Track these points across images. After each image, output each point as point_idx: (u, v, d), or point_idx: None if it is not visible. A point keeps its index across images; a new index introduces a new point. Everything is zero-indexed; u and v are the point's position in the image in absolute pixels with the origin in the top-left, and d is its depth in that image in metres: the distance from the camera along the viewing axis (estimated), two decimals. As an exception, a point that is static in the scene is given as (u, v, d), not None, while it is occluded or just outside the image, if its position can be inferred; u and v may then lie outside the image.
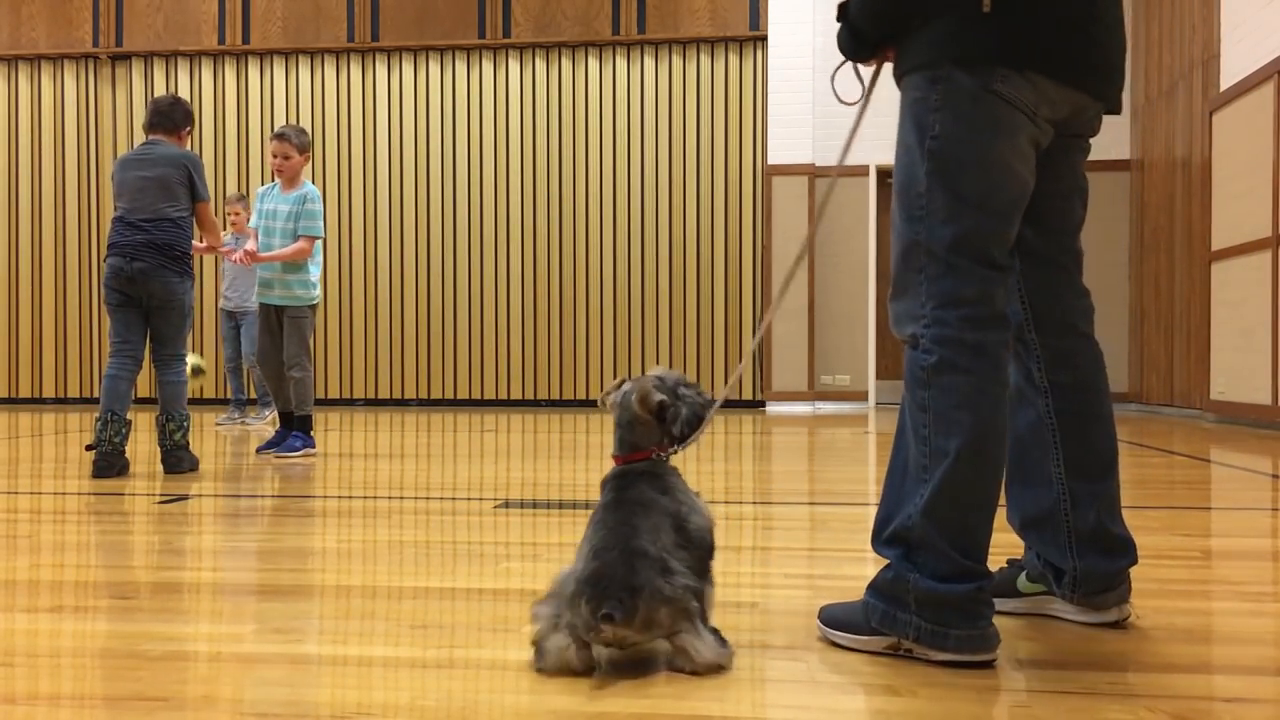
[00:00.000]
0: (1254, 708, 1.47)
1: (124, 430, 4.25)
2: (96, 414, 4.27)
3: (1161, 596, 2.13)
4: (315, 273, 5.30)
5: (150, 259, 4.26)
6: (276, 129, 5.36)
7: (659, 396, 1.69)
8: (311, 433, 5.29)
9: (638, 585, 1.51)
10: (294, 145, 5.19)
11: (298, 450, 5.16)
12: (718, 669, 1.56)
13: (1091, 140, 1.86)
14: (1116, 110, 1.80)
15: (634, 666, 1.61)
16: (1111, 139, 9.73)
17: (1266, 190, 6.75)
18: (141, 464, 4.82)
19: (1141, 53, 9.43)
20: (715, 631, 1.61)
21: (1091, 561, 1.79)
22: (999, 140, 1.64)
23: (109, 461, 4.20)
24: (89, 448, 4.30)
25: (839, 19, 1.80)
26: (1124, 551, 1.81)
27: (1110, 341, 9.75)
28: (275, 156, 5.21)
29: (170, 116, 4.50)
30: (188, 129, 4.60)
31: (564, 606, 1.55)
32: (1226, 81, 7.40)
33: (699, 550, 1.65)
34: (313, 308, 5.29)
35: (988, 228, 1.66)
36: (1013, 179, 1.66)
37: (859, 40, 1.78)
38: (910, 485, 1.67)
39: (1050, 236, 1.82)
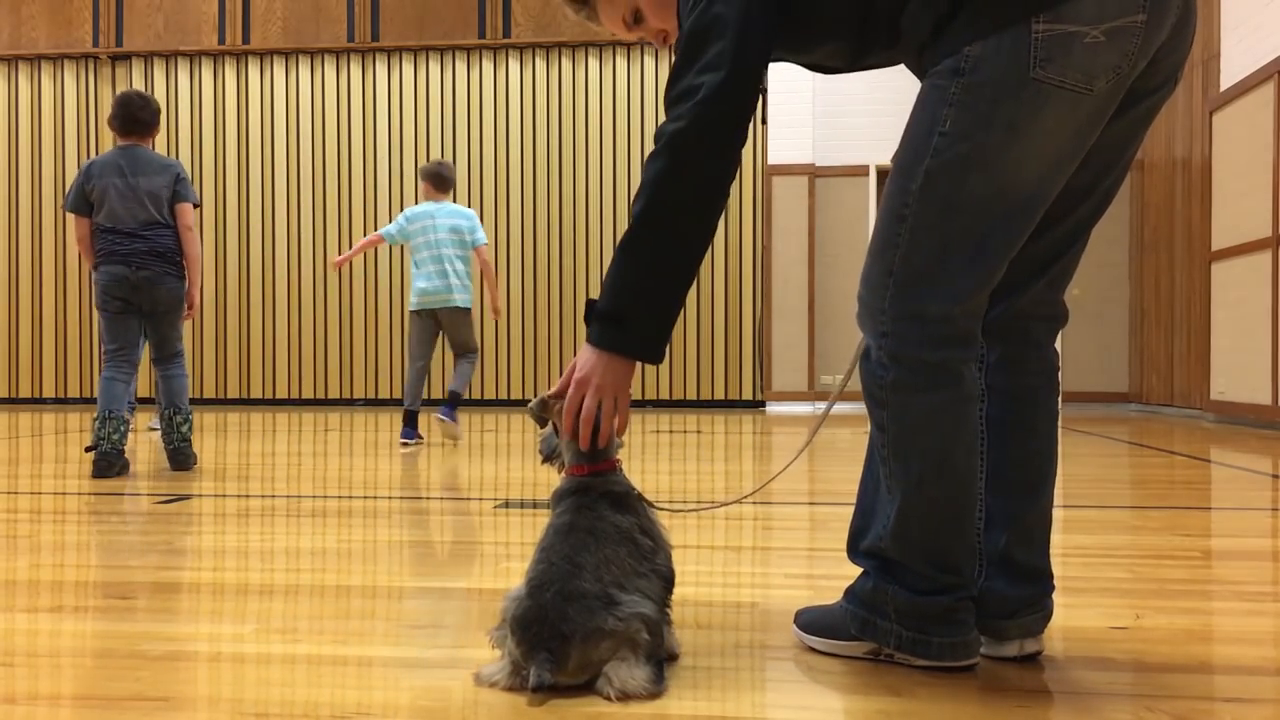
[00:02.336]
0: (1254, 708, 1.47)
1: (123, 429, 4.28)
2: (94, 415, 4.29)
3: (1161, 596, 2.13)
4: (415, 283, 5.87)
5: (156, 267, 4.39)
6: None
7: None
8: (413, 426, 5.86)
9: (568, 632, 1.43)
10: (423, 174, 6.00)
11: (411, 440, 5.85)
12: (637, 699, 1.45)
13: (1163, 99, 1.55)
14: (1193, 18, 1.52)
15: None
16: (1111, 139, 9.73)
17: (1266, 190, 6.76)
18: (141, 464, 4.81)
19: (1141, 53, 9.42)
20: (659, 664, 1.50)
21: (995, 584, 1.62)
22: (1020, 139, 1.44)
23: (109, 461, 4.24)
24: (89, 449, 4.32)
25: None
26: (1033, 580, 1.63)
27: (1110, 341, 9.77)
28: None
29: (142, 119, 4.52)
30: (158, 126, 4.64)
31: (508, 636, 1.50)
32: (1226, 81, 7.41)
33: (660, 581, 1.58)
34: (413, 314, 5.91)
35: (977, 242, 1.50)
36: (1023, 186, 1.48)
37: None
38: (883, 498, 1.61)
39: (1037, 229, 1.58)
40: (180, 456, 4.44)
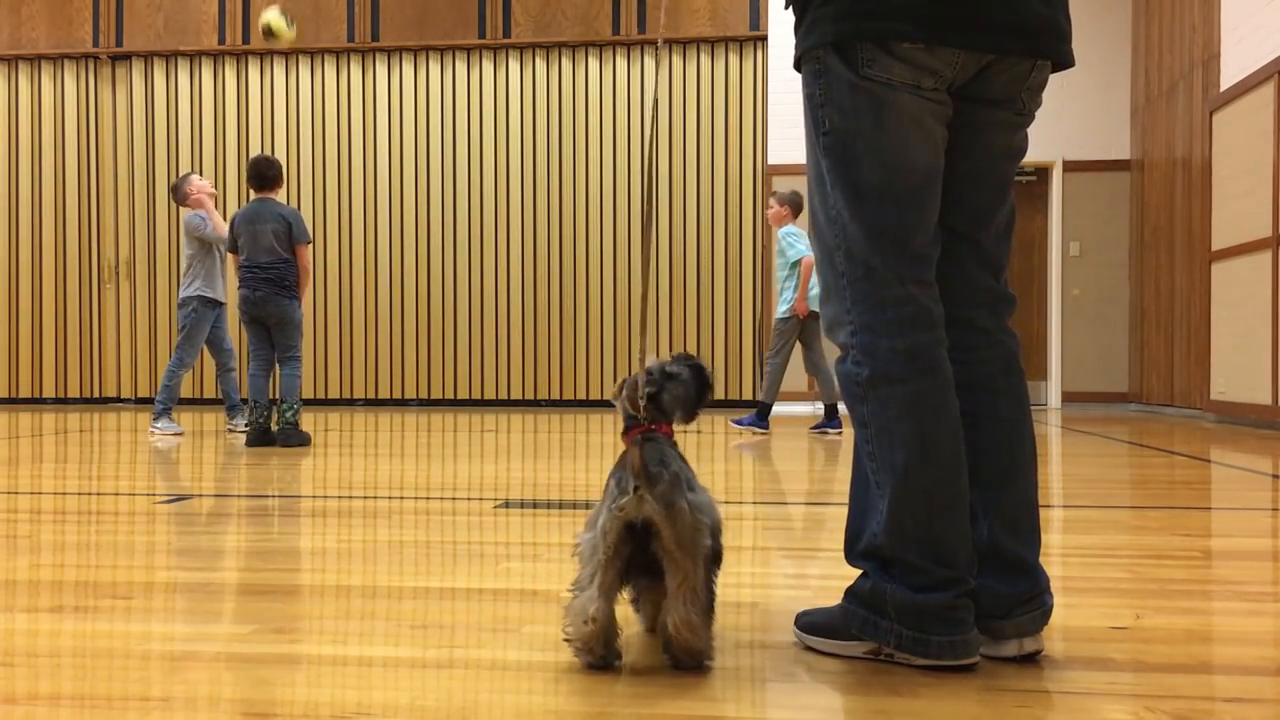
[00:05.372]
0: (1254, 708, 1.47)
1: (266, 412, 5.73)
2: (246, 399, 6.09)
3: (1161, 596, 2.13)
4: (792, 295, 6.60)
5: (267, 289, 5.81)
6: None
7: (647, 390, 1.69)
8: (766, 417, 6.66)
9: (654, 475, 1.55)
10: (775, 199, 6.89)
11: (745, 424, 6.73)
12: (692, 644, 1.55)
13: (1030, 111, 1.67)
14: (1046, 58, 1.62)
15: (634, 668, 1.61)
16: (1111, 139, 9.74)
17: (1266, 190, 6.76)
18: (141, 464, 4.82)
19: (1141, 53, 9.43)
20: (712, 594, 1.59)
21: (986, 580, 1.61)
22: (886, 125, 1.57)
23: (257, 436, 5.69)
24: (246, 425, 5.96)
25: None
26: (1023, 575, 1.63)
27: (1110, 341, 9.77)
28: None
29: (269, 176, 5.97)
30: (282, 181, 6.09)
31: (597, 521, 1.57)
32: (1226, 81, 7.41)
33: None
34: (784, 320, 6.64)
35: (896, 218, 1.59)
36: (911, 162, 1.59)
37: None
38: (873, 497, 1.62)
39: (942, 222, 1.66)
40: (284, 436, 5.67)
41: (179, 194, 6.85)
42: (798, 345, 6.78)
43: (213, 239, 6.53)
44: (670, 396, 1.69)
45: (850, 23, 1.56)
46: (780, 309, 6.70)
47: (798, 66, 1.70)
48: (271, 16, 5.66)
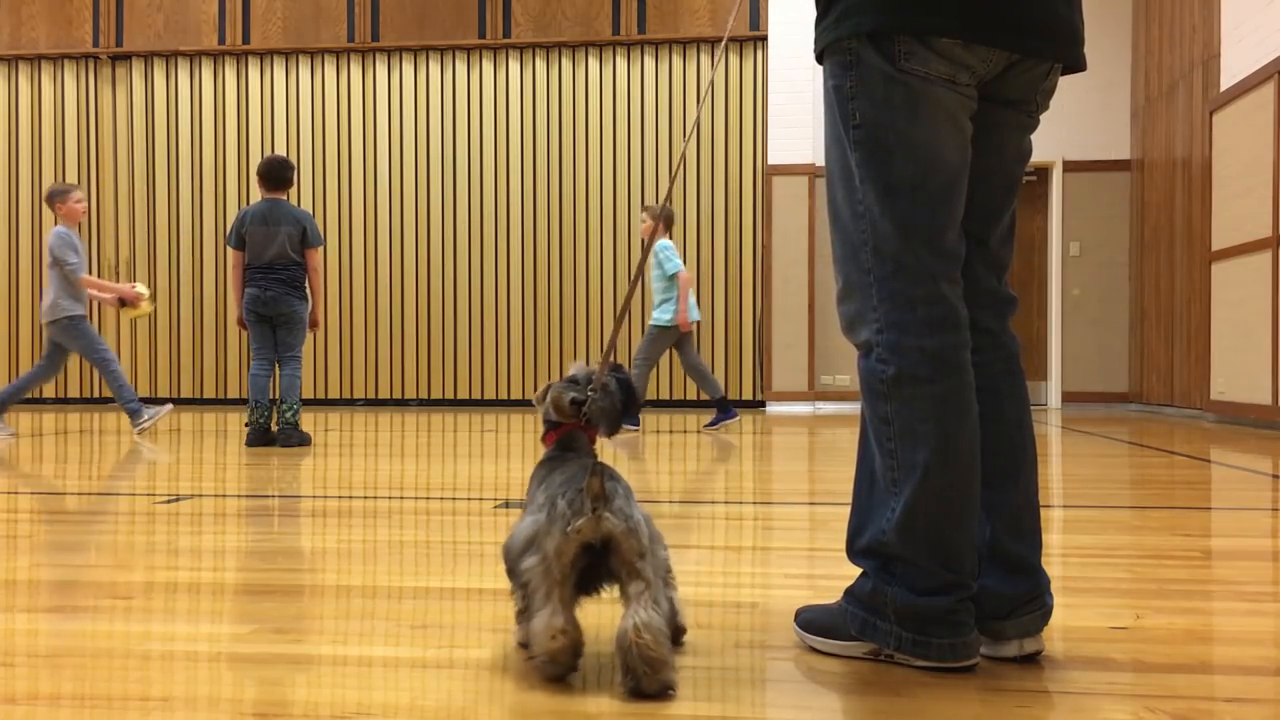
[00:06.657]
0: (1254, 708, 1.47)
1: (267, 412, 5.81)
2: (246, 398, 6.25)
3: (1161, 596, 2.13)
4: (673, 306, 6.76)
5: (279, 289, 5.85)
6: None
7: (570, 395, 1.67)
8: (729, 409, 6.94)
9: (609, 492, 1.52)
10: (647, 214, 7.10)
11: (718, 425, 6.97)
12: (653, 651, 1.45)
13: (1039, 115, 1.70)
14: (1063, 60, 1.64)
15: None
16: (1111, 139, 9.74)
17: (1266, 190, 6.76)
18: (141, 464, 4.82)
19: (1141, 53, 9.44)
20: (671, 602, 1.58)
21: (987, 581, 1.62)
22: (921, 119, 1.56)
23: (258, 436, 5.76)
24: (246, 424, 5.93)
25: None
26: (1024, 575, 1.63)
27: (1110, 341, 9.77)
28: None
29: (284, 177, 5.96)
30: (293, 182, 6.08)
31: (545, 541, 1.52)
32: (1226, 81, 7.41)
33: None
34: (662, 329, 6.80)
35: (929, 215, 1.57)
36: (944, 157, 1.58)
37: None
38: (880, 495, 1.62)
39: None
40: (284, 436, 5.74)
41: (56, 201, 6.58)
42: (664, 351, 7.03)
43: (69, 274, 6.38)
44: (596, 408, 1.65)
45: (890, 15, 1.55)
46: (663, 318, 6.85)
47: (820, 58, 1.67)
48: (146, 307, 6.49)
